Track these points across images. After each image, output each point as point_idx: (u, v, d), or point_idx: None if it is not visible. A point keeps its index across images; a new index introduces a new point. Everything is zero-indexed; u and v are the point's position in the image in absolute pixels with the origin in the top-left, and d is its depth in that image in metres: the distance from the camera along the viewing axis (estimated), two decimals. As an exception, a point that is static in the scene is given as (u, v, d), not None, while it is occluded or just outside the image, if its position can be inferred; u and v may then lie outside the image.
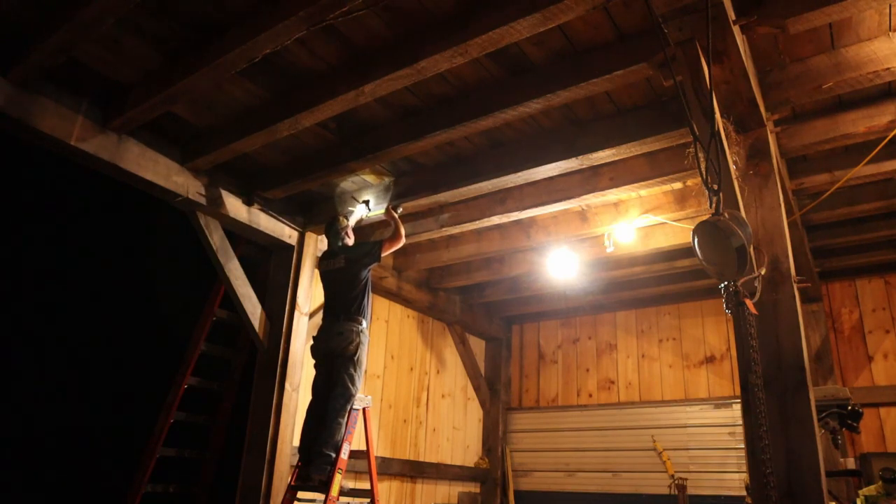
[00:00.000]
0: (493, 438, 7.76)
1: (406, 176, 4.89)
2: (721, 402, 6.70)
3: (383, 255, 4.52)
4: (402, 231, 4.64)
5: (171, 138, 4.42)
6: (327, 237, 4.73)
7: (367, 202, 4.94)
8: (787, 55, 3.56)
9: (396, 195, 4.85)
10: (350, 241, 4.68)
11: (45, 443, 5.43)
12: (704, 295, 7.05)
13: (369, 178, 4.96)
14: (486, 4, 3.05)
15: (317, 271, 5.58)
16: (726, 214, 2.60)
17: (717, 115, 2.88)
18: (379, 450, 6.22)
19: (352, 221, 4.87)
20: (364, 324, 4.33)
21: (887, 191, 4.92)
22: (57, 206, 5.83)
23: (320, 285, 5.67)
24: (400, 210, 4.79)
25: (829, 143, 4.10)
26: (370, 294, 4.48)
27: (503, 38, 3.07)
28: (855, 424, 4.14)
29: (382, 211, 4.85)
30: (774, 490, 2.55)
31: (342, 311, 4.32)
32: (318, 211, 5.33)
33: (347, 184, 5.07)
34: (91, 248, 5.85)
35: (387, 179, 4.94)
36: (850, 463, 5.49)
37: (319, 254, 5.54)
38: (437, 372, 7.38)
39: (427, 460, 6.89)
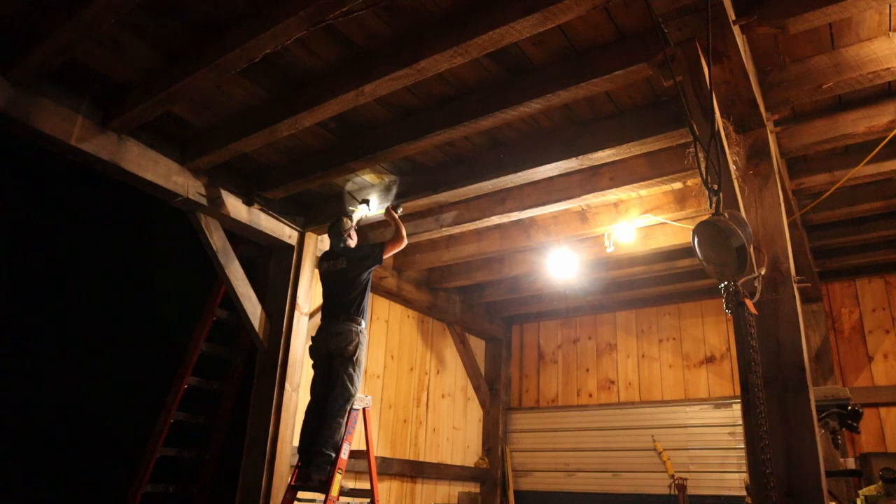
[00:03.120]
0: (493, 438, 7.76)
1: (406, 176, 4.89)
2: (721, 402, 6.70)
3: (385, 257, 4.52)
4: (404, 232, 4.64)
5: (171, 138, 4.42)
6: (329, 237, 4.73)
7: (367, 202, 4.94)
8: (787, 55, 3.56)
9: (396, 195, 4.85)
10: (352, 242, 4.68)
11: (44, 442, 5.43)
12: (704, 295, 7.05)
13: (370, 177, 4.96)
14: (486, 4, 3.05)
15: (317, 271, 5.59)
16: (726, 214, 2.60)
17: (717, 115, 2.88)
18: (379, 450, 6.22)
19: (353, 222, 4.87)
20: (363, 324, 4.34)
21: (887, 191, 4.92)
22: (56, 205, 5.83)
23: (320, 285, 5.69)
24: (400, 210, 4.79)
25: (829, 143, 4.10)
26: (369, 295, 4.49)
27: (503, 38, 3.07)
28: (855, 424, 4.14)
29: (382, 211, 4.86)
30: (774, 490, 2.55)
31: (341, 311, 4.33)
32: (318, 211, 5.33)
33: (349, 184, 5.06)
34: (91, 247, 5.84)
35: (387, 179, 4.94)
36: (850, 463, 5.49)
37: (319, 254, 5.55)
38: (437, 372, 7.38)
39: (427, 460, 6.89)
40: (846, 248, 6.04)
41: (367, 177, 4.95)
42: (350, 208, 4.99)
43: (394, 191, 4.88)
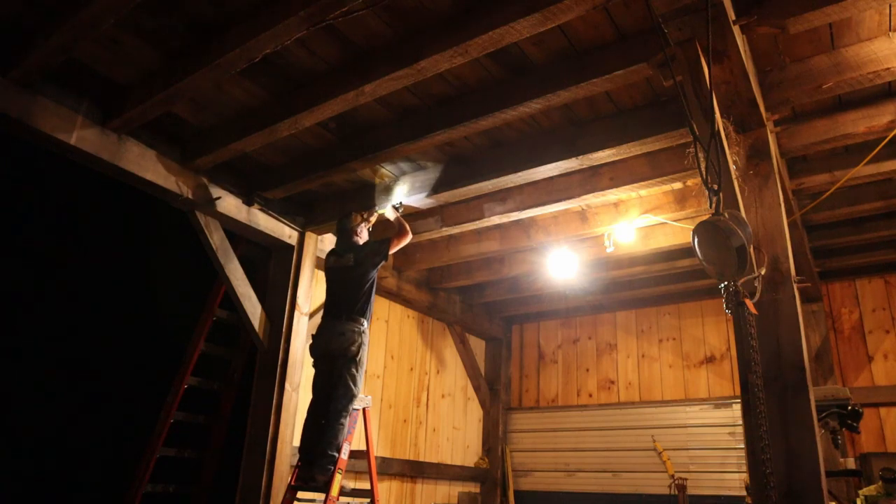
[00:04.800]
0: (493, 438, 7.76)
1: (406, 176, 4.89)
2: (721, 402, 6.70)
3: (391, 252, 4.49)
4: (408, 227, 4.60)
5: (171, 138, 4.42)
6: (337, 233, 4.67)
7: (397, 208, 4.86)
8: (787, 55, 3.56)
9: (404, 193, 4.80)
10: (360, 239, 4.61)
11: (44, 443, 5.43)
12: (704, 295, 7.05)
13: (382, 175, 4.87)
14: (486, 4, 3.06)
15: (317, 271, 5.58)
16: (726, 214, 2.60)
17: (717, 115, 2.88)
18: (379, 450, 6.22)
19: (368, 218, 4.78)
20: (365, 324, 4.30)
21: (887, 191, 4.92)
22: (56, 205, 5.83)
23: (320, 285, 5.64)
24: (401, 210, 4.77)
25: (829, 143, 4.10)
26: (374, 295, 4.45)
27: (503, 38, 3.07)
28: (855, 424, 4.14)
29: (386, 210, 4.82)
30: (774, 490, 2.55)
31: (345, 310, 4.28)
32: (318, 211, 5.33)
33: (377, 178, 4.95)
34: (91, 247, 5.84)
35: (395, 176, 4.87)
36: (850, 463, 5.49)
37: (320, 253, 5.54)
38: (437, 372, 7.38)
39: (427, 460, 6.89)
40: (846, 248, 6.04)
41: (380, 174, 4.88)
42: (375, 204, 4.90)
43: (400, 189, 4.83)
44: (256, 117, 4.01)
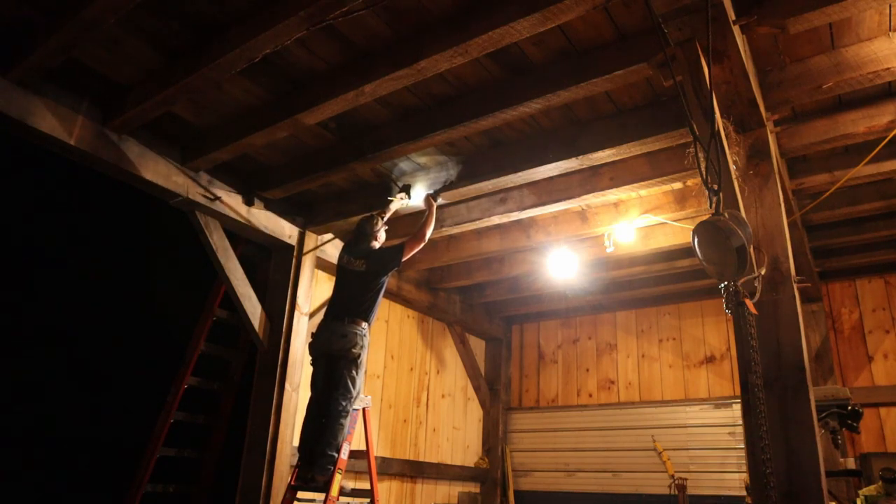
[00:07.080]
0: (493, 438, 7.76)
1: (406, 176, 4.89)
2: (721, 402, 6.70)
3: (404, 259, 4.38)
4: (428, 231, 4.50)
5: (171, 138, 4.42)
6: (354, 232, 4.58)
7: (408, 190, 4.71)
8: (787, 55, 3.56)
9: (441, 182, 4.62)
10: (377, 243, 4.51)
11: (44, 443, 5.43)
12: (704, 295, 7.05)
13: (422, 160, 4.67)
14: (486, 4, 3.06)
15: (317, 271, 5.58)
16: (726, 214, 2.60)
17: (717, 115, 2.88)
18: (379, 450, 6.22)
19: (389, 213, 4.66)
20: (367, 327, 4.29)
21: (887, 191, 4.92)
22: (56, 205, 5.83)
23: (320, 285, 5.67)
24: (440, 200, 4.61)
25: (829, 143, 4.10)
26: (380, 299, 4.38)
27: (503, 38, 3.07)
28: (855, 424, 4.14)
29: (421, 201, 4.67)
30: (774, 490, 2.55)
31: (348, 312, 4.24)
32: (318, 211, 5.33)
33: (397, 168, 4.78)
34: (90, 247, 5.84)
35: (434, 164, 4.68)
36: (850, 463, 5.49)
37: (320, 253, 5.54)
38: (437, 372, 7.38)
39: (427, 460, 6.89)
40: (846, 248, 6.04)
41: (420, 159, 4.68)
42: (388, 198, 4.74)
43: (439, 177, 4.65)
44: (256, 117, 4.01)
